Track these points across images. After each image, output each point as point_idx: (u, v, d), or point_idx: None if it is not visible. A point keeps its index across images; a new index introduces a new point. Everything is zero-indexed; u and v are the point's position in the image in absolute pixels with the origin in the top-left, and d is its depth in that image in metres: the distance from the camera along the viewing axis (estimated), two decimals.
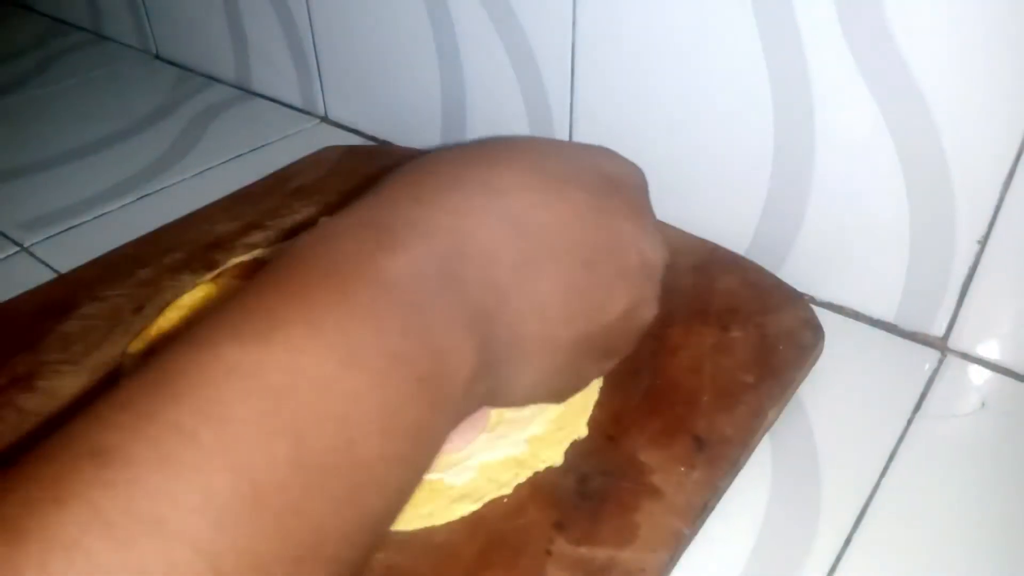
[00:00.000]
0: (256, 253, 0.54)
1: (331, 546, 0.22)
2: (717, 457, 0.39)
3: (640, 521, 0.36)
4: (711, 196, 0.56)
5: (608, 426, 0.41)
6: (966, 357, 0.49)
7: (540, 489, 0.38)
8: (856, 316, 0.52)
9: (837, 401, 0.46)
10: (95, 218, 0.64)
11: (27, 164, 0.72)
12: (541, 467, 0.39)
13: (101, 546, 0.18)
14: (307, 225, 0.55)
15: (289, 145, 0.74)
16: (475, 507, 0.37)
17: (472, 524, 0.36)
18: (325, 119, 0.79)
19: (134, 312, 0.50)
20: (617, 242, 0.34)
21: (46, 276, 0.56)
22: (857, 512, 0.40)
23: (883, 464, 0.42)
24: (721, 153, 0.54)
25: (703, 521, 0.38)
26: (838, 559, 0.37)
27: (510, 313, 0.29)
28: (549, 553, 0.35)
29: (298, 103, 0.81)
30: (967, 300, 0.48)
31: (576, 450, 0.40)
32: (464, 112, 0.68)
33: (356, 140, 0.76)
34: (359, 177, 0.63)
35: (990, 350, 0.48)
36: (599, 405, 0.42)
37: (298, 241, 0.26)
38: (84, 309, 0.50)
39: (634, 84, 0.56)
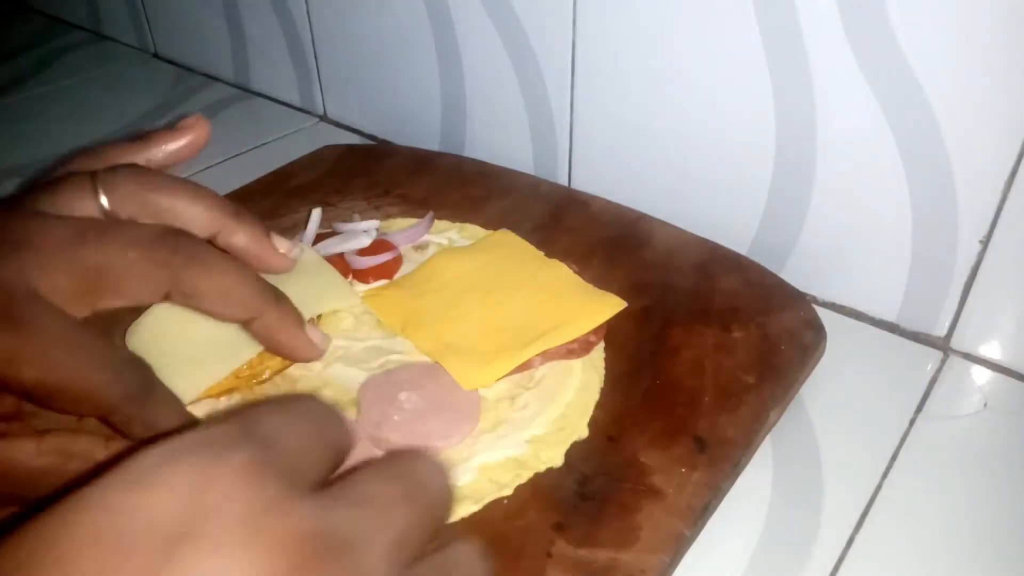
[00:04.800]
0: None
1: None
2: (718, 458, 0.39)
3: (641, 523, 0.36)
4: (713, 195, 0.55)
5: (609, 427, 0.41)
6: (968, 357, 0.49)
7: (541, 490, 0.38)
8: (858, 316, 0.52)
9: (839, 402, 0.45)
10: None
11: (25, 163, 0.71)
12: (542, 468, 0.39)
13: None
14: (306, 224, 0.54)
15: (288, 144, 0.74)
16: (475, 508, 0.37)
17: (472, 525, 0.36)
18: (324, 118, 0.79)
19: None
20: None
21: None
22: (859, 513, 0.39)
23: (885, 465, 0.42)
24: (723, 152, 0.54)
25: (704, 523, 0.37)
26: (840, 560, 0.37)
27: None
28: (550, 555, 0.35)
29: (297, 102, 0.81)
30: (969, 300, 0.48)
31: (577, 451, 0.40)
32: (464, 112, 0.67)
33: (355, 139, 0.76)
34: (358, 176, 0.63)
35: (992, 350, 0.48)
36: (600, 406, 0.42)
37: None
38: None
39: (635, 83, 0.55)
